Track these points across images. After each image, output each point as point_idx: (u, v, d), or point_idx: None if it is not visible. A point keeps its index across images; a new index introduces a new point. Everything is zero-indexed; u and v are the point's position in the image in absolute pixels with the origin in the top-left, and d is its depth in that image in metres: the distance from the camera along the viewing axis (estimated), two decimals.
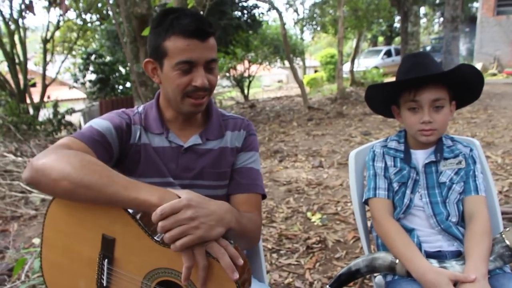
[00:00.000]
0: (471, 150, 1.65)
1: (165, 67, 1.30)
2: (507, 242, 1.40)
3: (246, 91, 19.58)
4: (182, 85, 1.29)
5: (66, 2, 10.89)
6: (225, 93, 21.09)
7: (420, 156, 1.64)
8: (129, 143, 1.40)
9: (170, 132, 1.42)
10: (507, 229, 1.43)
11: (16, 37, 11.87)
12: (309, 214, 3.94)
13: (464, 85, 1.58)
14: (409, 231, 1.58)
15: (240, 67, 19.07)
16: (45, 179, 1.09)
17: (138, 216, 1.12)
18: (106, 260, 1.14)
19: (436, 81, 1.53)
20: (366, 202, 1.70)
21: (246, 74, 19.28)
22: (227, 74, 18.82)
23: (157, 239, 1.09)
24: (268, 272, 2.92)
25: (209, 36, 1.29)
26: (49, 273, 1.22)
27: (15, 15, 11.53)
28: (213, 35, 1.32)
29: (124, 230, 1.11)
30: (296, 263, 3.05)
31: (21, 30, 11.79)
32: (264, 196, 1.50)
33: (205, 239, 1.04)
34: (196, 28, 1.25)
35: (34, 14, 9.18)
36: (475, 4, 25.02)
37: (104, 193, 1.06)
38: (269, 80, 32.79)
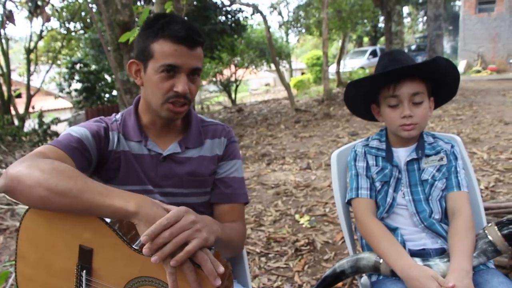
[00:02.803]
0: (452, 146, 1.65)
1: (149, 69, 1.30)
2: (490, 238, 1.40)
3: (233, 96, 19.59)
4: (164, 89, 1.29)
5: (48, 11, 10.80)
6: (212, 98, 21.11)
7: (402, 154, 1.64)
8: (108, 150, 1.38)
9: (149, 139, 1.41)
10: (490, 224, 1.43)
11: None
12: (297, 216, 3.93)
13: (441, 79, 1.59)
14: (393, 230, 1.57)
15: (226, 72, 19.08)
16: (20, 186, 1.07)
17: (115, 226, 1.10)
18: (84, 271, 1.11)
19: (413, 75, 1.54)
20: (349, 203, 1.69)
21: (232, 79, 19.29)
22: (214, 79, 18.82)
23: (135, 247, 1.07)
24: (256, 276, 2.91)
25: (197, 45, 1.30)
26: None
27: None
28: (201, 45, 1.32)
29: (101, 240, 1.09)
30: (284, 266, 3.03)
31: (3, 40, 11.69)
32: (246, 202, 1.51)
33: (208, 242, 1.04)
34: (186, 34, 1.26)
35: (14, 24, 9.10)
36: (458, 3, 25.30)
37: (79, 200, 1.04)
38: (256, 84, 32.82)
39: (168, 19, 1.28)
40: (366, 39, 30.15)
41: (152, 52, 1.28)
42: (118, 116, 1.46)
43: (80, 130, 1.33)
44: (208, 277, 1.00)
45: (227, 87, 19.26)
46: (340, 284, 2.59)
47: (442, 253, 1.51)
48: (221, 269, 1.01)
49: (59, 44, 16.21)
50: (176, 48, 1.25)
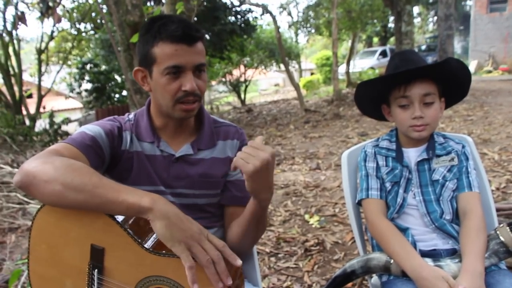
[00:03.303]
0: (463, 146, 1.65)
1: (154, 73, 1.30)
2: (502, 238, 1.39)
3: (242, 96, 19.61)
4: (172, 91, 1.29)
5: (59, 12, 10.88)
6: (221, 98, 21.13)
7: (412, 154, 1.64)
8: (121, 149, 1.39)
9: (162, 140, 1.41)
10: (501, 225, 1.42)
11: (10, 49, 11.87)
12: (307, 216, 3.93)
13: (453, 80, 1.58)
14: (403, 230, 1.57)
15: (236, 72, 19.10)
16: (35, 181, 1.08)
17: (126, 225, 1.11)
18: (96, 270, 1.12)
19: (425, 76, 1.53)
20: (359, 203, 1.69)
21: (242, 79, 19.31)
22: (223, 80, 18.85)
23: (147, 247, 1.08)
24: (266, 276, 2.91)
25: (197, 41, 1.29)
26: (38, 286, 1.20)
27: (9, 27, 11.54)
28: (201, 39, 1.31)
29: (113, 240, 1.10)
30: (294, 266, 3.03)
31: (15, 41, 11.79)
32: None
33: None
34: (183, 33, 1.25)
35: (27, 25, 9.21)
36: (469, 2, 25.13)
37: (93, 195, 1.06)
38: (266, 84, 32.80)
39: (164, 21, 1.28)
40: (376, 39, 30.02)
41: (154, 57, 1.28)
42: (131, 116, 1.47)
43: (94, 128, 1.34)
44: (220, 275, 1.02)
45: (236, 87, 19.28)
46: (350, 284, 2.59)
47: (453, 253, 1.50)
48: (238, 262, 1.05)
49: (69, 44, 16.32)
50: (176, 48, 1.25)
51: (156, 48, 1.27)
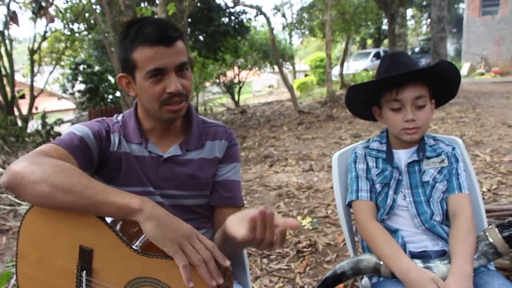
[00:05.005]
0: (453, 148, 1.65)
1: (137, 79, 1.29)
2: (491, 240, 1.40)
3: (236, 97, 19.61)
4: (157, 94, 1.28)
5: (52, 12, 10.84)
6: (215, 99, 21.12)
7: (403, 156, 1.64)
8: (109, 151, 1.39)
9: (150, 142, 1.41)
10: (490, 226, 1.43)
11: (2, 49, 11.79)
12: (299, 218, 3.93)
13: (444, 82, 1.58)
14: (393, 232, 1.57)
15: (229, 73, 19.09)
16: (24, 182, 1.08)
17: (116, 227, 1.11)
18: (84, 271, 1.12)
19: (417, 79, 1.53)
20: (349, 205, 1.69)
21: (236, 80, 19.31)
22: (217, 81, 18.84)
23: (135, 248, 1.08)
24: (258, 277, 2.90)
25: (175, 41, 1.27)
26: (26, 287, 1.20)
27: (1, 27, 11.46)
28: (180, 38, 1.29)
29: (101, 241, 1.10)
30: (286, 267, 3.03)
31: (7, 41, 11.71)
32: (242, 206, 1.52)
33: None
34: (160, 35, 1.24)
35: (18, 26, 9.16)
36: (461, 5, 25.27)
37: (82, 196, 1.05)
38: (260, 85, 32.80)
39: (140, 24, 1.27)
40: (369, 41, 30.11)
41: (134, 62, 1.27)
42: (120, 118, 1.47)
43: (83, 129, 1.33)
44: (212, 274, 1.03)
45: (230, 88, 19.28)
46: (341, 285, 2.59)
47: (443, 255, 1.50)
48: (227, 262, 1.05)
49: (62, 45, 16.21)
50: (155, 51, 1.24)
51: (135, 53, 1.26)
